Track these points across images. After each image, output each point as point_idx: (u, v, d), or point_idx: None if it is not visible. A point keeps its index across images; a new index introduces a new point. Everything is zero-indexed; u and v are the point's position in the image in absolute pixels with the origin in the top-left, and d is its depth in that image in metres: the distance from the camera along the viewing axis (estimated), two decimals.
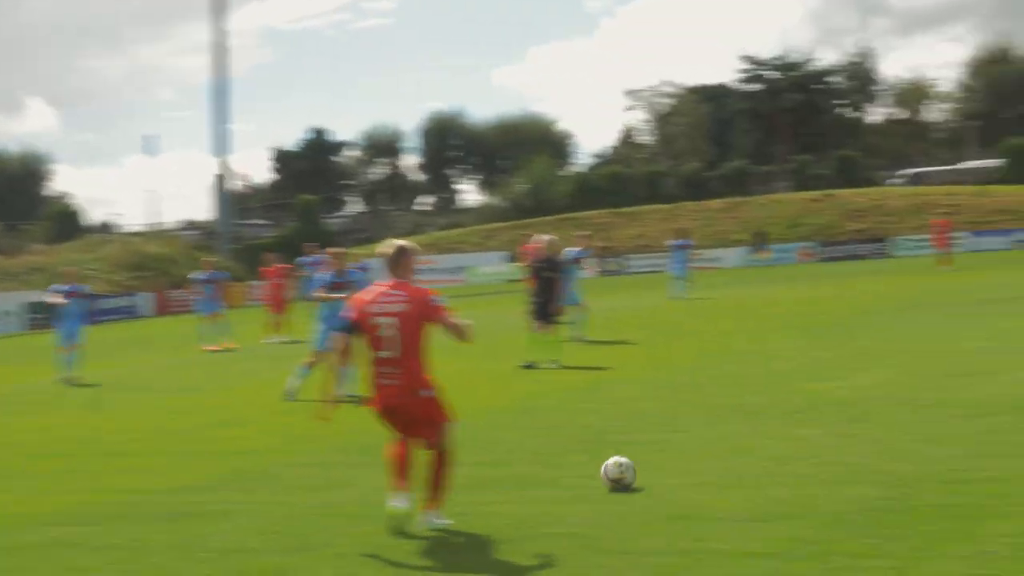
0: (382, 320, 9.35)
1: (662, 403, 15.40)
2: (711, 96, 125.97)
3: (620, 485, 10.27)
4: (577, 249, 26.81)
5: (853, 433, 12.00)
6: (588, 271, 33.25)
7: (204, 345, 31.34)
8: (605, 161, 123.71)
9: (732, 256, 72.16)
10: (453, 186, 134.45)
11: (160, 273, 70.07)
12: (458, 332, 9.43)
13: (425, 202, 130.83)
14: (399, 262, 9.60)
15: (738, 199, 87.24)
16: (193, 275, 35.66)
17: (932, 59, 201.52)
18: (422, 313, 9.36)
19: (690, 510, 9.34)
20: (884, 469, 10.22)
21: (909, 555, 7.72)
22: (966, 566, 7.44)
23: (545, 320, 21.61)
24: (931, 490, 9.36)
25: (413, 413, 9.35)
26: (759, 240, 71.04)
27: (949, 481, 9.60)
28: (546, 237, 22.97)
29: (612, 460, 10.43)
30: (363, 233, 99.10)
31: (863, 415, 13.08)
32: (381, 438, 9.59)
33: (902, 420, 12.56)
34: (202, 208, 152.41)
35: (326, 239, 52.76)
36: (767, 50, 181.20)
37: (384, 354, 9.36)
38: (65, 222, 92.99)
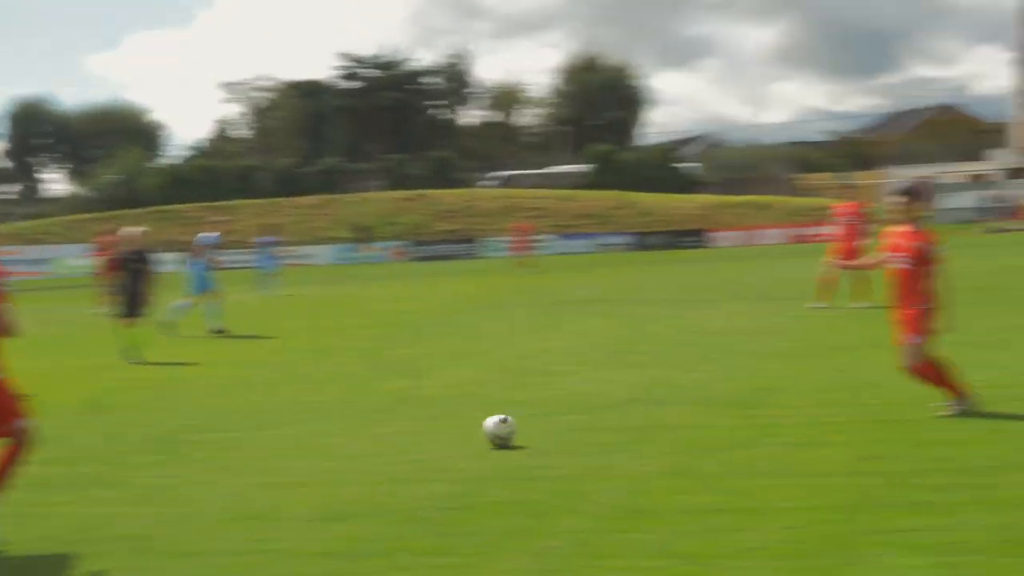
0: None
1: (243, 401, 15.18)
2: (308, 92, 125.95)
3: (504, 443, 10.96)
4: (213, 235, 26.49)
5: (429, 431, 12.12)
6: (223, 261, 32.52)
7: None
8: (199, 154, 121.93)
9: (325, 253, 72.31)
10: (39, 175, 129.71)
11: None
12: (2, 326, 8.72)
13: (8, 191, 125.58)
14: None
15: (332, 196, 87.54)
16: None
17: (528, 64, 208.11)
18: None
19: (262, 510, 9.19)
20: (456, 467, 10.34)
21: (476, 552, 7.81)
22: (531, 561, 7.56)
23: (133, 314, 21.04)
24: (500, 487, 9.51)
25: None
26: (363, 236, 71.30)
27: (518, 479, 9.78)
28: (136, 229, 22.44)
29: (498, 418, 11.14)
30: None
31: (441, 413, 13.21)
32: None
33: (477, 418, 12.71)
34: None
35: None
36: (367, 48, 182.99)
37: None
38: None
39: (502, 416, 11.22)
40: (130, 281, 21.17)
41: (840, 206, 25.68)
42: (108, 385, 17.40)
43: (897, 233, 11.59)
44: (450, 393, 14.83)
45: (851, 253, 23.53)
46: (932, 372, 11.44)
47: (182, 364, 19.82)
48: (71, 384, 17.76)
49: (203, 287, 25.89)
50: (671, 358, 17.22)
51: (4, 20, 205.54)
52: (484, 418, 12.20)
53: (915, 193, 11.67)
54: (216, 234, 27.16)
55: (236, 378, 17.65)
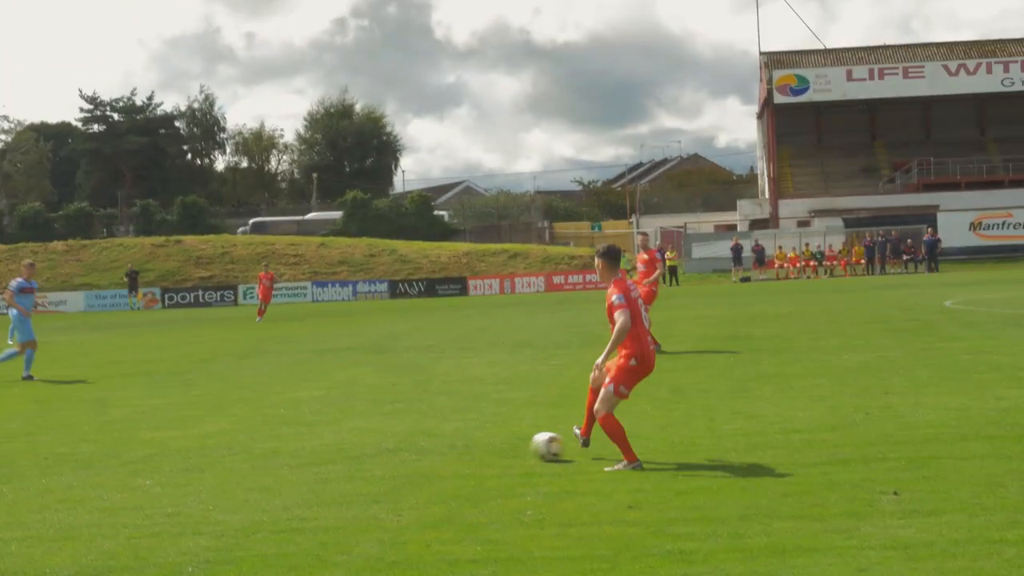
0: None
1: None
2: (51, 134, 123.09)
3: (556, 458, 12.01)
4: (21, 280, 25.49)
5: (189, 483, 11.91)
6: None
7: None
8: None
9: (77, 300, 70.86)
10: None
11: None
12: None
13: None
14: None
15: (83, 241, 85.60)
16: None
17: (276, 109, 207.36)
18: None
19: (19, 566, 8.90)
20: (218, 519, 10.19)
21: None
22: None
23: None
24: (264, 540, 9.41)
25: None
26: (132, 282, 69.50)
27: (281, 531, 9.68)
28: None
29: (547, 435, 12.14)
30: None
31: (199, 465, 12.99)
32: None
33: (237, 470, 12.60)
34: None
35: None
36: (111, 91, 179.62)
37: None
38: None
39: (551, 434, 12.15)
40: None
41: (642, 253, 26.49)
42: None
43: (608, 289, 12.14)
44: (209, 443, 14.61)
45: (650, 297, 24.40)
46: (616, 427, 11.79)
47: None
48: None
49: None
50: (431, 407, 17.29)
51: None
52: (240, 470, 12.09)
53: (611, 254, 12.25)
54: (23, 279, 26.04)
55: None
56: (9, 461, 13.94)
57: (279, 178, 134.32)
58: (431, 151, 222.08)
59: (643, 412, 13.85)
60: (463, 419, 15.79)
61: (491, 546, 8.92)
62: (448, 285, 73.23)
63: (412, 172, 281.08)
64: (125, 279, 70.78)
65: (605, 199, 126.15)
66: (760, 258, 73.80)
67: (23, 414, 18.73)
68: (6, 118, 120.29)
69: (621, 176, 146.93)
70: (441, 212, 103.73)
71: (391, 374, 22.62)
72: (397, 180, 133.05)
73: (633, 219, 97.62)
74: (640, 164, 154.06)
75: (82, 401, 20.23)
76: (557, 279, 73.12)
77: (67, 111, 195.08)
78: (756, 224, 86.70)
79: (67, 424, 17.18)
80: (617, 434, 11.74)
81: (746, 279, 70.78)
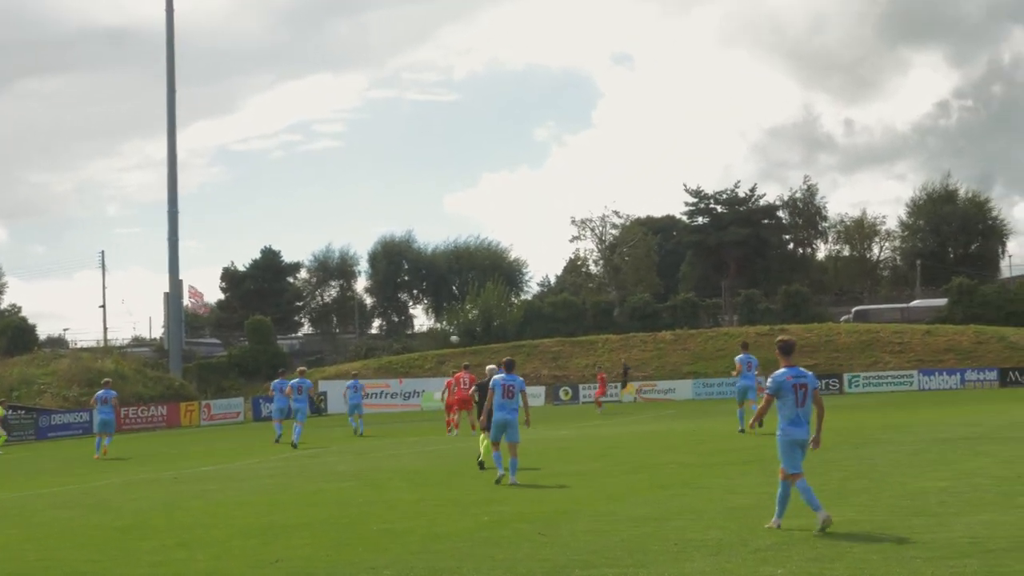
0: None
1: (627, 536, 15.20)
2: (658, 228, 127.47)
3: None
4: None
5: (821, 572, 11.91)
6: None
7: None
8: (552, 290, 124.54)
9: (684, 388, 72.99)
10: (404, 310, 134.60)
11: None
12: None
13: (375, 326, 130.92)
14: None
15: (688, 331, 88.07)
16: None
17: (876, 195, 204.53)
18: None
19: None
20: None
21: None
22: None
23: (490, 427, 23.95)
24: None
25: None
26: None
27: None
28: (492, 365, 25.68)
29: None
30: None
31: (828, 555, 12.94)
32: None
33: (868, 560, 12.47)
34: (150, 325, 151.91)
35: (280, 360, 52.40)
36: (713, 183, 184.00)
37: None
38: (17, 336, 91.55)
39: None
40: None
41: None
42: (494, 519, 17.70)
43: None
44: (835, 533, 14.50)
45: None
46: None
47: (565, 487, 20.01)
48: (457, 516, 18.18)
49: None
50: None
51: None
52: (875, 559, 11.99)
53: None
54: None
55: (608, 512, 17.65)
56: (642, 546, 14.38)
57: (881, 266, 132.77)
58: None
59: None
60: None
61: None
62: None
63: (1019, 256, 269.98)
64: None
65: None
66: None
67: (652, 501, 19.17)
68: (616, 213, 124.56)
69: None
70: None
71: (1019, 465, 21.68)
72: (1004, 265, 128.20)
73: None
74: None
75: (706, 488, 20.55)
76: None
77: (672, 205, 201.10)
78: None
79: (694, 509, 17.53)
80: None
81: None
